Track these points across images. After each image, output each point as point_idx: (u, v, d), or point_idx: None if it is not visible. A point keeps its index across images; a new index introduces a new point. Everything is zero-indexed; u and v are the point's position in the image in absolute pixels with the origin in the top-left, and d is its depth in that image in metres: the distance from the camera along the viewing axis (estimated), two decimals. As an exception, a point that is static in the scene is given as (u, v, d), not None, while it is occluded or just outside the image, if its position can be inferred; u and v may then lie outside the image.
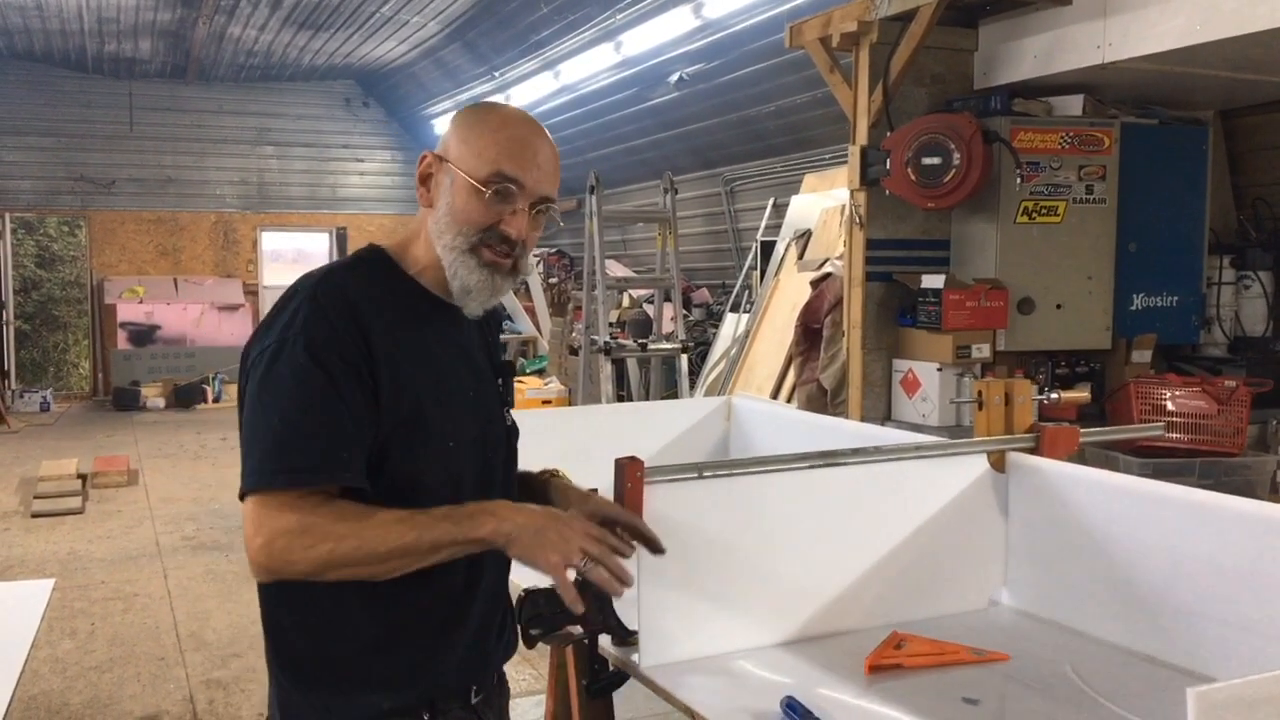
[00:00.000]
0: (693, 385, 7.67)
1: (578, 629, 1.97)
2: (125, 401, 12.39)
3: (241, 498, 1.43)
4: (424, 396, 1.52)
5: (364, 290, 1.53)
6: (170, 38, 11.71)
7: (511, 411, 1.73)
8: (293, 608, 1.54)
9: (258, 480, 1.41)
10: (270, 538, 1.39)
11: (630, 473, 1.77)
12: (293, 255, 15.15)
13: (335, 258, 15.27)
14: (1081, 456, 2.36)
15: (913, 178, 4.01)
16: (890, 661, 1.88)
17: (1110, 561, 2.00)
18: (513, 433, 1.72)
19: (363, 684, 1.53)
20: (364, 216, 14.99)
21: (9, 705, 4.04)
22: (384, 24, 10.94)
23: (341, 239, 14.89)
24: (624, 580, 1.53)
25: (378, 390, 1.47)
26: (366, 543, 1.40)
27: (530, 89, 10.68)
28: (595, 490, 1.77)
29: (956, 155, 3.95)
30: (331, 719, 1.55)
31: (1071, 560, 2.08)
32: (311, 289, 1.50)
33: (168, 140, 13.79)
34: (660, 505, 1.83)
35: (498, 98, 11.44)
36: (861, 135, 4.23)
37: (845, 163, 4.41)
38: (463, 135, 1.56)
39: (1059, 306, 4.19)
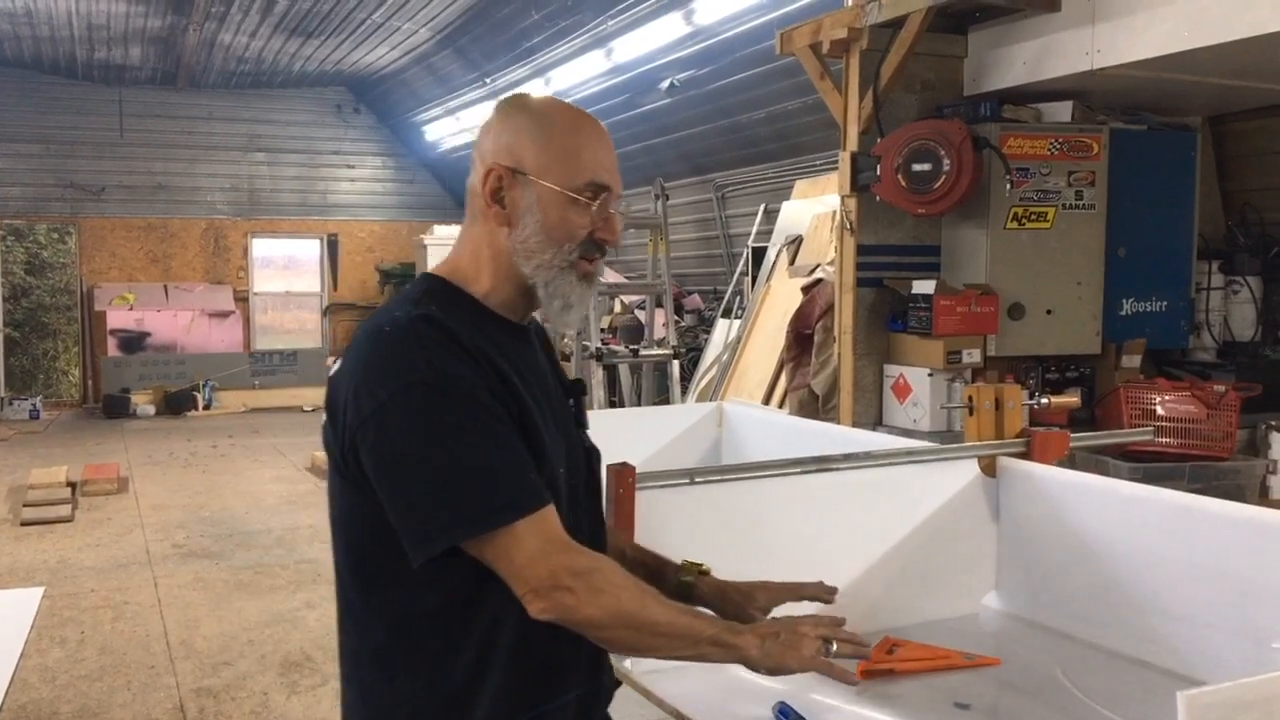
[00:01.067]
0: (685, 391, 7.68)
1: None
2: (115, 409, 12.35)
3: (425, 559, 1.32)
4: (538, 424, 1.41)
5: (452, 323, 1.40)
6: (161, 44, 11.69)
7: (588, 433, 1.62)
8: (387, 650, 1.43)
9: (469, 527, 1.30)
10: (553, 578, 1.30)
11: (622, 479, 1.78)
12: (284, 262, 15.12)
13: (326, 264, 15.18)
14: (1071, 461, 2.37)
15: (903, 184, 4.02)
16: (882, 666, 1.88)
17: (1100, 566, 2.01)
18: (593, 455, 1.60)
19: None
20: (355, 223, 14.97)
21: (-2, 714, 4.03)
22: (375, 30, 10.94)
23: (333, 245, 14.87)
24: (864, 645, 1.51)
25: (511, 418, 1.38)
26: (648, 608, 1.33)
27: (521, 95, 10.67)
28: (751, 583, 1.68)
29: (947, 161, 3.96)
30: None
31: (1062, 564, 2.09)
32: (411, 330, 1.37)
33: (158, 147, 13.76)
34: (652, 511, 1.83)
35: (489, 104, 11.41)
36: (852, 141, 4.24)
37: (836, 169, 4.42)
38: (537, 142, 1.45)
39: (1049, 312, 4.20)
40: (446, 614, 1.39)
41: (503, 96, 1.58)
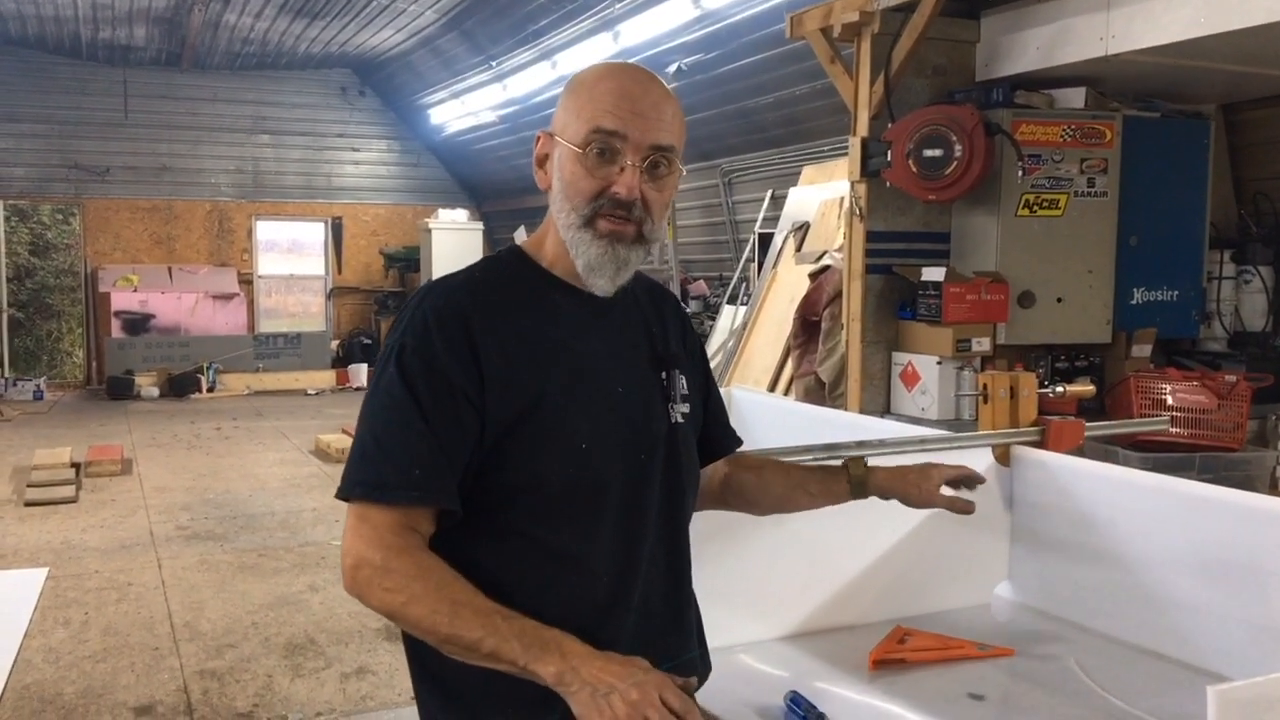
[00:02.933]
0: (689, 377, 7.65)
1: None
2: (119, 390, 12.35)
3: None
4: (547, 394, 1.40)
5: (486, 291, 1.44)
6: (165, 25, 11.64)
7: (682, 407, 1.55)
8: None
9: (342, 489, 1.38)
10: (357, 563, 1.34)
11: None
12: (288, 245, 15.10)
13: (330, 247, 15.19)
14: (1081, 450, 2.34)
15: (914, 170, 3.99)
16: (894, 656, 1.87)
17: (1114, 556, 1.99)
18: (678, 431, 1.53)
19: (498, 704, 1.40)
20: (359, 206, 14.94)
21: (2, 694, 4.03)
22: (380, 12, 10.88)
23: (337, 229, 14.84)
24: None
25: (484, 397, 1.37)
26: (433, 616, 1.32)
27: (527, 79, 10.63)
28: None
29: (958, 147, 3.92)
30: None
31: (1076, 555, 2.07)
32: (423, 294, 1.44)
33: (163, 128, 13.72)
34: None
35: (494, 88, 11.39)
36: (862, 127, 4.20)
37: (844, 154, 4.39)
38: (564, 102, 1.45)
39: (1059, 300, 4.17)
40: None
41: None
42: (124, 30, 11.84)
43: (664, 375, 1.54)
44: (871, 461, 2.07)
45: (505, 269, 1.49)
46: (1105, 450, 3.66)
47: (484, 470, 1.39)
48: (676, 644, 1.52)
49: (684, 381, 1.57)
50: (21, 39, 12.42)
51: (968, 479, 1.85)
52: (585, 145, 1.40)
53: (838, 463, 1.82)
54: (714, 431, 1.70)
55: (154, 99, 13.58)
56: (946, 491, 1.81)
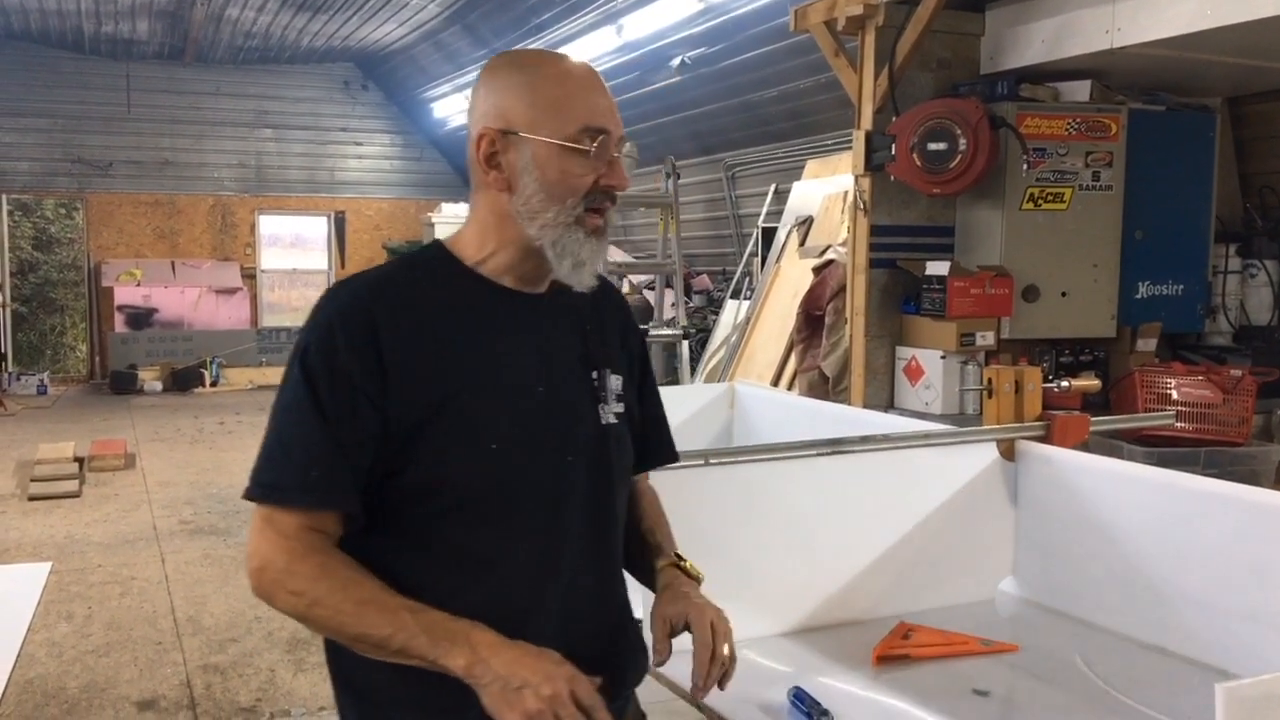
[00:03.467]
0: (693, 372, 7.65)
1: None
2: (123, 385, 12.35)
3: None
4: (458, 394, 1.37)
5: (396, 289, 1.41)
6: (168, 19, 11.62)
7: (615, 407, 1.50)
8: None
9: (246, 490, 1.36)
10: (261, 565, 1.34)
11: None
12: (291, 239, 15.09)
13: (333, 242, 15.19)
14: (1085, 445, 2.33)
15: (918, 163, 3.97)
16: (898, 652, 1.86)
17: (1120, 551, 1.98)
18: (610, 434, 1.48)
19: (412, 708, 1.39)
20: (362, 200, 14.92)
21: (5, 689, 4.03)
22: (383, 5, 10.85)
23: (340, 223, 14.83)
24: None
25: (388, 397, 1.34)
26: (338, 616, 1.31)
27: (530, 73, 10.61)
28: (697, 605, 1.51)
29: (962, 141, 3.90)
30: None
31: (1081, 550, 2.06)
32: (331, 293, 1.42)
33: (165, 122, 13.70)
34: (666, 492, 1.80)
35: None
36: (866, 120, 4.18)
37: (848, 148, 4.37)
38: (525, 97, 1.40)
39: (1064, 294, 4.15)
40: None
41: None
42: (127, 24, 11.82)
43: (594, 375, 1.49)
44: (872, 457, 2.06)
45: (423, 266, 1.46)
46: (1110, 445, 3.65)
47: (394, 471, 1.36)
48: (604, 649, 1.46)
49: (618, 382, 1.52)
50: (24, 33, 12.40)
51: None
52: (580, 142, 1.38)
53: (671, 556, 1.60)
54: (643, 440, 1.61)
55: (157, 93, 13.56)
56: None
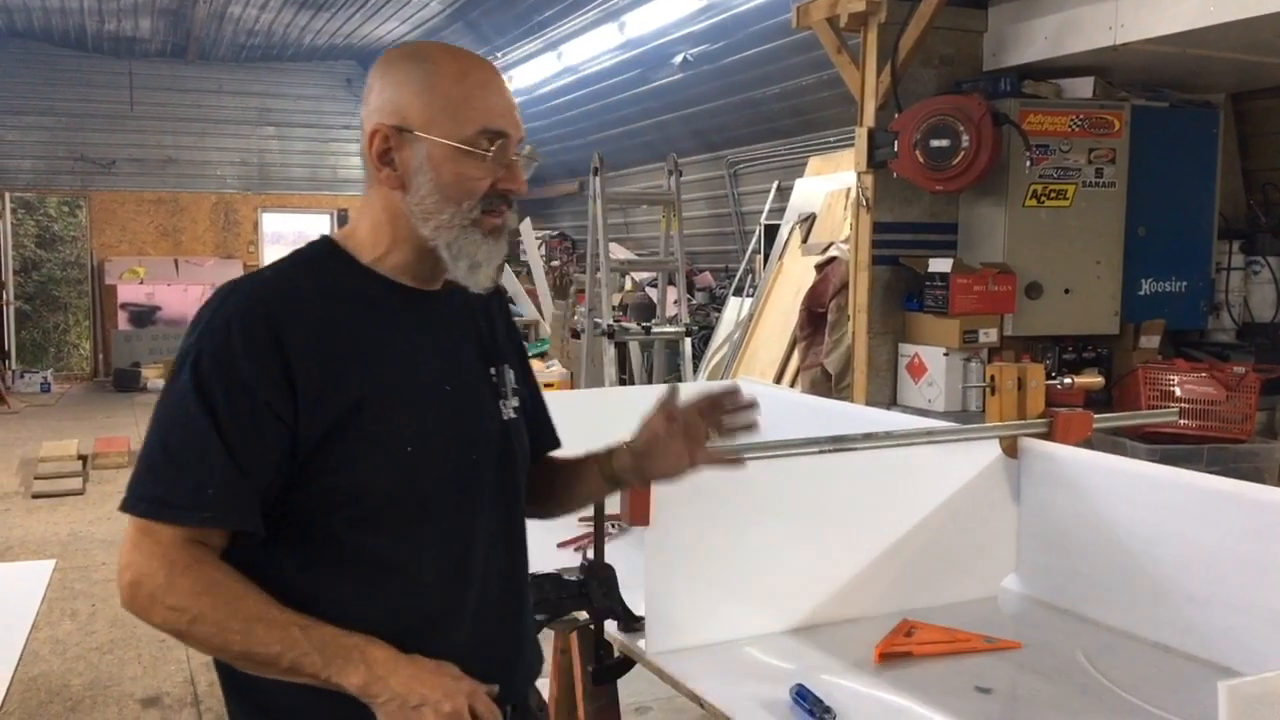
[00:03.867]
0: (695, 370, 7.64)
1: (583, 614, 1.95)
2: (126, 382, 12.37)
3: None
4: (369, 397, 1.32)
5: (296, 290, 1.34)
6: (170, 16, 11.62)
7: (513, 402, 1.49)
8: None
9: (126, 501, 1.27)
10: (136, 579, 1.25)
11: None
12: (294, 237, 15.08)
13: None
14: (1088, 442, 2.33)
15: (921, 160, 3.97)
16: (901, 649, 1.86)
17: (1123, 548, 1.98)
18: (510, 427, 1.47)
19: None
20: (365, 198, 14.91)
21: (9, 686, 4.04)
22: (385, 3, 10.84)
23: (343, 221, 14.83)
24: None
25: (296, 407, 1.28)
26: (223, 633, 1.24)
27: (532, 70, 10.60)
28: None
29: (965, 137, 3.90)
30: None
31: (1084, 547, 2.06)
32: (225, 294, 1.32)
33: (168, 120, 13.71)
34: (667, 490, 1.80)
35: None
36: (869, 117, 4.18)
37: (850, 145, 4.38)
38: (421, 95, 1.34)
39: (1067, 291, 4.15)
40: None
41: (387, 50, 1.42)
42: (129, 22, 11.83)
43: (493, 371, 1.48)
44: (874, 454, 2.06)
45: (318, 265, 1.40)
46: (1113, 442, 3.65)
47: (299, 479, 1.30)
48: (513, 648, 1.47)
49: (513, 376, 1.52)
50: (27, 31, 12.41)
51: (722, 406, 1.53)
52: (477, 145, 1.34)
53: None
54: (533, 431, 1.60)
55: (159, 91, 13.57)
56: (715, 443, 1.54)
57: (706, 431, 1.52)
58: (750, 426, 1.55)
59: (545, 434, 1.64)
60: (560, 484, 1.63)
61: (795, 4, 4.50)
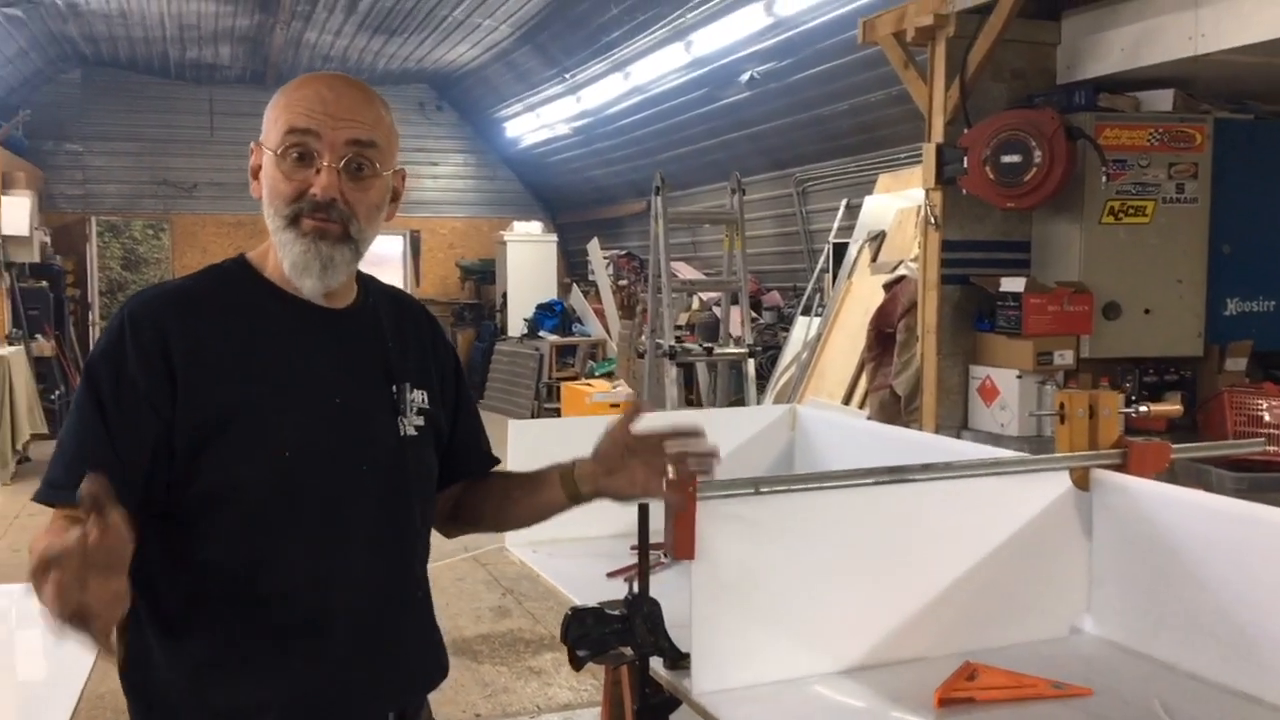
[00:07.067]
0: (762, 390, 7.54)
1: (628, 650, 1.88)
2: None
3: None
4: (248, 404, 1.40)
5: (190, 298, 1.46)
6: (249, 43, 11.91)
7: (415, 420, 1.55)
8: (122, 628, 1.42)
9: (37, 490, 1.39)
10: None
11: (681, 487, 1.67)
12: (367, 258, 15.28)
13: (409, 261, 15.41)
14: (1171, 470, 2.20)
15: (991, 176, 3.85)
16: (962, 694, 1.75)
17: (1205, 589, 1.85)
18: (409, 445, 1.53)
19: (203, 713, 1.42)
20: (437, 220, 15.10)
21: (77, 703, 4.08)
22: (456, 27, 10.99)
23: (415, 242, 15.02)
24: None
25: (174, 404, 1.37)
26: None
27: (600, 90, 10.64)
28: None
29: (1038, 153, 3.77)
30: None
31: (1162, 586, 1.93)
32: (127, 301, 1.45)
33: (247, 145, 13.83)
34: (714, 522, 1.73)
35: (568, 100, 11.44)
36: (937, 133, 4.07)
37: (920, 162, 4.27)
38: (268, 113, 1.47)
39: (1147, 311, 3.99)
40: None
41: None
42: (210, 50, 12.15)
43: (394, 389, 1.54)
44: (935, 485, 1.96)
45: (222, 277, 1.51)
46: (1198, 470, 3.47)
47: (183, 478, 1.38)
48: (396, 653, 1.52)
49: (422, 395, 1.57)
50: (113, 60, 12.83)
51: (684, 443, 1.55)
52: (280, 148, 1.41)
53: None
54: (459, 451, 1.67)
55: (238, 116, 13.88)
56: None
57: (664, 465, 1.55)
58: (705, 472, 1.59)
59: (476, 454, 1.72)
60: (516, 495, 1.69)
61: (861, 19, 4.42)
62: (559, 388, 11.09)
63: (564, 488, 1.60)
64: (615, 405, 9.18)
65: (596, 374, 11.24)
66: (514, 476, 1.73)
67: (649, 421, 1.55)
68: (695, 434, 1.55)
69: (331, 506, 1.45)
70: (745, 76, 8.55)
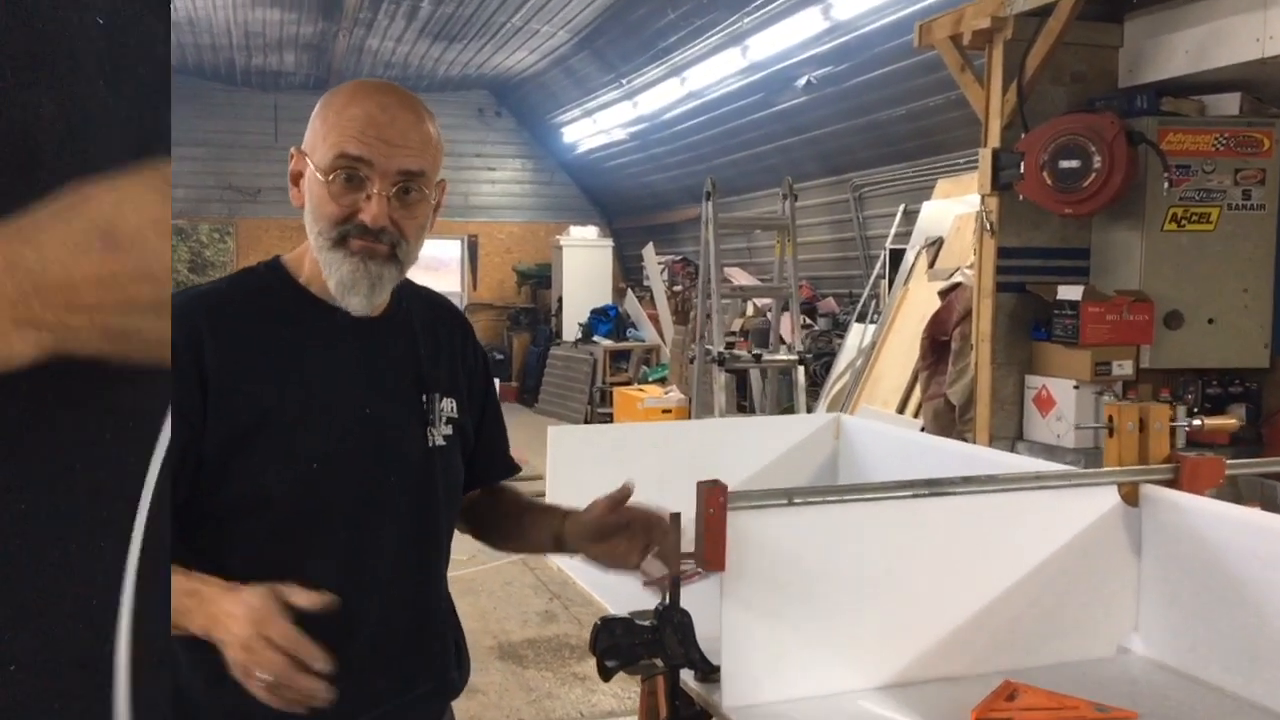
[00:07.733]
0: (815, 397, 7.47)
1: (658, 661, 1.86)
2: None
3: None
4: (278, 411, 1.40)
5: (225, 302, 1.46)
6: (313, 51, 12.10)
7: (444, 430, 1.54)
8: None
9: None
10: None
11: (712, 498, 1.65)
12: (426, 262, 15.46)
13: (466, 265, 15.53)
14: (1234, 486, 2.12)
15: (1049, 182, 3.76)
16: (1000, 715, 1.70)
17: (1258, 610, 1.77)
18: (437, 455, 1.52)
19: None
20: (495, 225, 15.20)
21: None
22: (515, 34, 11.05)
23: (473, 247, 15.14)
24: (307, 697, 1.21)
25: (205, 408, 1.37)
26: None
27: (657, 96, 10.63)
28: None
29: (1097, 158, 3.68)
30: None
31: (1213, 607, 1.85)
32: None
33: (310, 151, 14.24)
34: (746, 533, 1.70)
35: (625, 105, 11.45)
36: (994, 137, 3.99)
37: (978, 167, 4.19)
38: (313, 122, 1.45)
39: (1210, 321, 3.87)
40: None
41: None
42: (275, 57, 12.37)
43: (425, 399, 1.53)
44: (977, 499, 1.91)
45: (256, 282, 1.51)
46: (1261, 485, 3.36)
47: (213, 484, 1.38)
48: (419, 661, 1.53)
49: (451, 404, 1.56)
50: (181, 67, 13.10)
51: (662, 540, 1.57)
52: (330, 171, 1.40)
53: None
54: (480, 458, 1.66)
55: (302, 122, 13.61)
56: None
57: (647, 545, 1.55)
58: (664, 575, 1.62)
59: (498, 461, 1.72)
60: (514, 522, 1.69)
61: (918, 23, 4.36)
62: (612, 393, 11.09)
63: (554, 535, 1.61)
64: (667, 411, 9.15)
65: (650, 379, 11.23)
66: (526, 504, 1.73)
67: (637, 499, 1.54)
68: (665, 531, 1.55)
69: (358, 518, 1.45)
70: (802, 81, 8.49)
